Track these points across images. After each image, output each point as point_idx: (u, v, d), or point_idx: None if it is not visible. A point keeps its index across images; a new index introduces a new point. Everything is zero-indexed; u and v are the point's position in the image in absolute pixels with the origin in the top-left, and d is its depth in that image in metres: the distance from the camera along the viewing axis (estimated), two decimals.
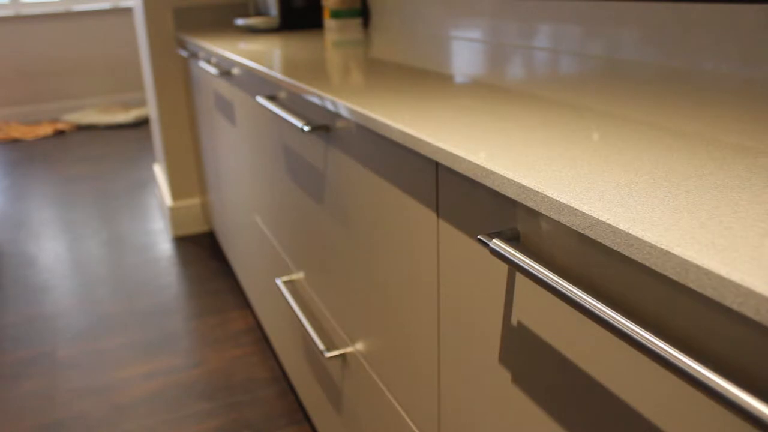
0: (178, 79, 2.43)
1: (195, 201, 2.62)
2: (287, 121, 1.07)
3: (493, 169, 0.50)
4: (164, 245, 2.54)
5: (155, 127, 2.70)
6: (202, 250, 2.48)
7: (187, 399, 1.61)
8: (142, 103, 5.26)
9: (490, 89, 0.83)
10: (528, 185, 0.46)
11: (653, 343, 0.35)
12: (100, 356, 1.81)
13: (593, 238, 0.41)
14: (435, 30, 1.60)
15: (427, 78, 0.94)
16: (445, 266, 0.65)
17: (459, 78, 0.93)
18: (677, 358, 0.34)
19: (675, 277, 0.35)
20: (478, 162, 0.52)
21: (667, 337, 0.35)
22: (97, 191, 3.23)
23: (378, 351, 0.89)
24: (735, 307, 0.31)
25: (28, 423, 1.55)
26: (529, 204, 0.47)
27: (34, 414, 1.58)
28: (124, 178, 3.43)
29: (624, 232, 0.38)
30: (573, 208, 0.42)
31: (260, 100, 1.14)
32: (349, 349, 1.01)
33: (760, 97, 0.72)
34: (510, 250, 0.48)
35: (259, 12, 2.11)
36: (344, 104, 0.78)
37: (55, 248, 2.56)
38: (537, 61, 1.06)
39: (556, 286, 0.43)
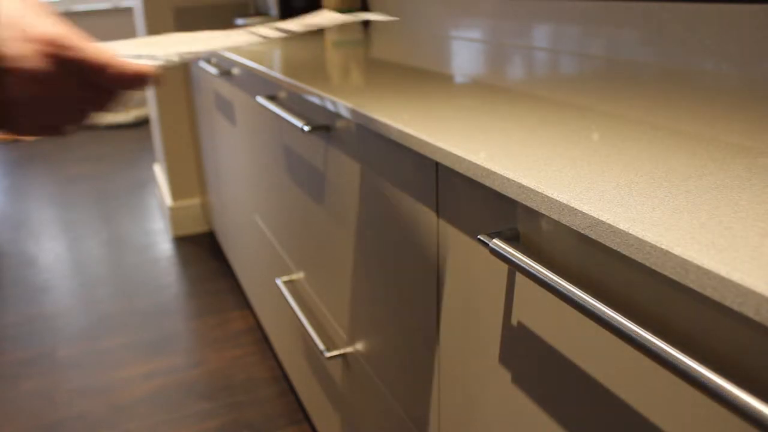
0: (178, 79, 2.43)
1: (195, 201, 2.62)
2: (287, 121, 1.07)
3: (493, 169, 0.50)
4: (164, 245, 2.54)
5: (155, 127, 2.70)
6: (202, 250, 2.48)
7: (187, 399, 1.61)
8: (142, 103, 5.26)
9: (490, 89, 0.83)
10: (528, 185, 0.46)
11: (653, 343, 0.35)
12: (100, 356, 1.81)
13: (593, 238, 0.41)
14: (435, 30, 1.60)
15: (427, 78, 0.94)
16: (445, 266, 0.65)
17: (459, 78, 0.93)
18: (677, 358, 0.34)
19: (675, 277, 0.35)
20: (478, 162, 0.52)
21: (667, 337, 0.35)
22: (97, 191, 3.23)
23: (378, 351, 0.89)
24: (735, 307, 0.31)
25: (28, 423, 1.55)
26: (529, 204, 0.47)
27: (34, 414, 1.58)
28: (124, 178, 3.43)
29: (624, 232, 0.38)
30: (573, 208, 0.42)
31: (260, 100, 1.14)
32: (349, 349, 1.01)
33: (760, 97, 0.72)
34: (510, 250, 0.48)
35: (259, 12, 2.12)
36: (344, 104, 0.78)
37: (55, 248, 2.56)
38: (537, 61, 1.06)
39: (556, 286, 0.43)
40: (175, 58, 0.49)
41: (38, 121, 0.44)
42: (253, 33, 0.58)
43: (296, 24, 0.62)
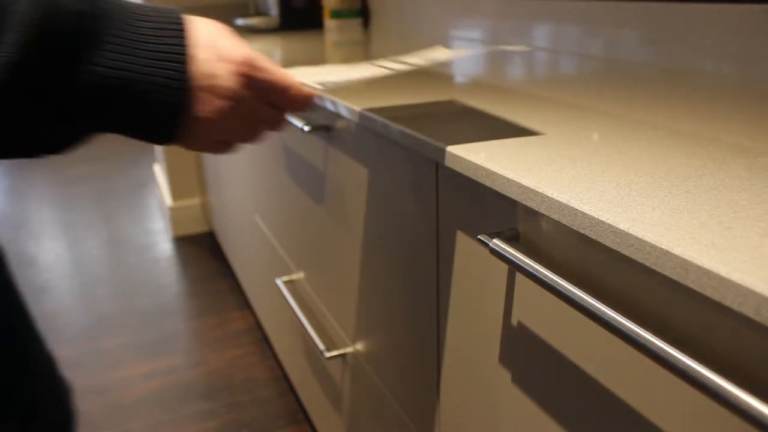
0: None
1: (195, 201, 2.62)
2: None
3: (493, 169, 0.50)
4: (164, 245, 2.54)
5: None
6: (202, 250, 2.48)
7: (187, 399, 1.61)
8: None
9: (489, 89, 0.83)
10: (528, 185, 0.46)
11: (653, 343, 0.35)
12: (100, 356, 1.81)
13: (593, 238, 0.41)
14: (435, 30, 1.60)
15: (427, 78, 0.94)
16: (444, 266, 0.65)
17: (459, 78, 0.93)
18: (677, 358, 0.34)
19: (675, 277, 0.35)
20: (478, 162, 0.52)
21: (667, 337, 0.35)
22: (97, 191, 3.23)
23: (378, 351, 0.89)
24: (735, 307, 0.31)
25: None
26: (529, 204, 0.47)
27: None
28: (124, 178, 3.43)
29: (624, 232, 0.38)
30: (573, 208, 0.42)
31: None
32: (349, 349, 1.01)
33: (760, 97, 0.72)
34: (510, 250, 0.48)
35: (259, 12, 2.12)
36: (344, 104, 0.78)
37: (55, 248, 2.56)
38: (537, 61, 1.06)
39: (556, 286, 0.43)
40: (319, 86, 0.55)
41: (216, 137, 0.47)
42: (381, 66, 0.64)
43: (419, 58, 0.67)
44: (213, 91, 0.44)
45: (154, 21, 0.42)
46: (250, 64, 0.46)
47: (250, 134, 0.49)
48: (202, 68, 0.44)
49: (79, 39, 0.39)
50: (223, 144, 0.49)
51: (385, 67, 0.62)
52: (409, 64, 0.64)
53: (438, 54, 0.68)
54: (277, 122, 0.50)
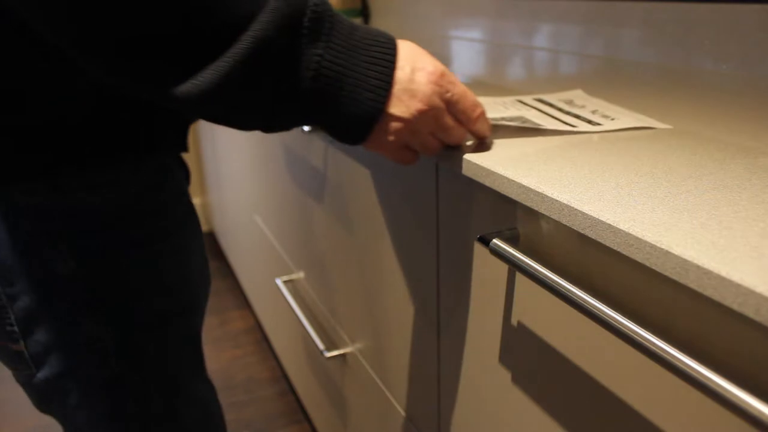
0: None
1: (195, 201, 2.62)
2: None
3: (493, 169, 0.50)
4: None
5: None
6: None
7: None
8: None
9: (490, 89, 0.83)
10: (528, 185, 0.46)
11: (653, 343, 0.35)
12: None
13: (593, 238, 0.41)
14: (435, 30, 1.60)
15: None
16: (445, 266, 0.65)
17: (459, 78, 0.93)
18: (677, 358, 0.34)
19: (675, 277, 0.35)
20: (478, 162, 0.52)
21: (667, 337, 0.35)
22: None
23: (378, 351, 0.89)
24: (735, 307, 0.31)
25: (29, 423, 1.55)
26: (529, 204, 0.47)
27: (34, 414, 1.58)
28: None
29: (624, 232, 0.38)
30: (573, 208, 0.42)
31: None
32: (349, 349, 1.01)
33: (760, 97, 0.72)
34: (510, 250, 0.48)
35: None
36: None
37: None
38: (537, 61, 1.06)
39: (556, 286, 0.43)
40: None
41: (404, 140, 0.52)
42: (530, 106, 0.67)
43: (561, 101, 0.71)
44: (411, 93, 0.50)
45: (371, 34, 0.50)
46: (444, 75, 0.51)
47: (433, 144, 0.54)
48: (404, 75, 0.50)
49: (312, 33, 0.47)
50: (407, 152, 0.54)
51: (536, 108, 0.66)
52: (555, 106, 0.67)
53: (578, 98, 0.73)
54: (459, 137, 0.54)
